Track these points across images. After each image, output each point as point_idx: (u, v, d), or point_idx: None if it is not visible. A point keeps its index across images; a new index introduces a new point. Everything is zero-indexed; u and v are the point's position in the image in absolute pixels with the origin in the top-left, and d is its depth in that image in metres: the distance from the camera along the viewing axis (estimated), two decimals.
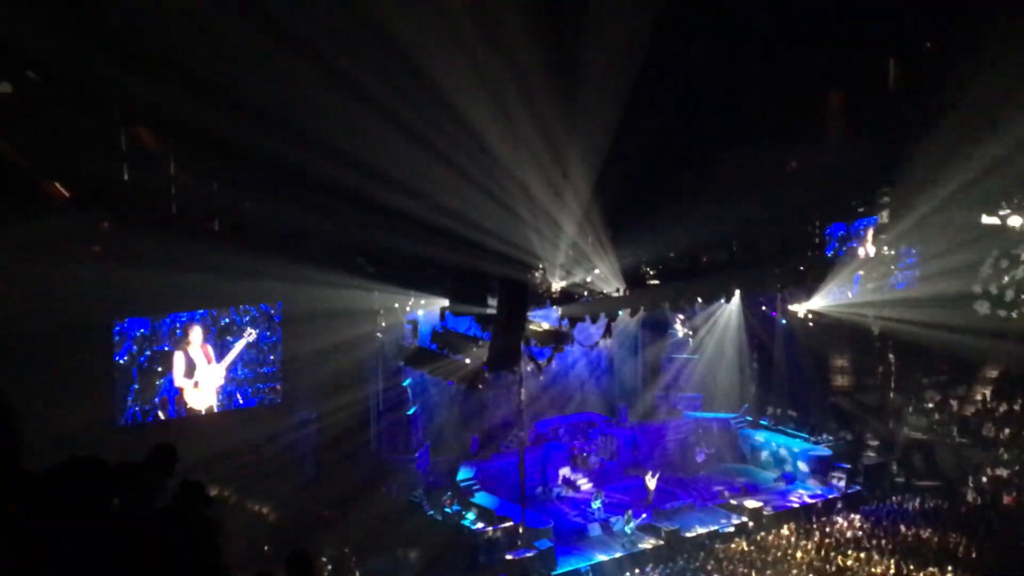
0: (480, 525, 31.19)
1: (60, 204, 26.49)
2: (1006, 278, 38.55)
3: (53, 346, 25.27)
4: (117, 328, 27.91)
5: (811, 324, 38.91)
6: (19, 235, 24.46)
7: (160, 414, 28.52)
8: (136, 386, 28.25)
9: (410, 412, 33.63)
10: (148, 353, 28.36)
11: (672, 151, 35.42)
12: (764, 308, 39.72)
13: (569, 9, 31.58)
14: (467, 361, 30.81)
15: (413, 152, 29.28)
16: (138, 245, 27.48)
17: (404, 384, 33.59)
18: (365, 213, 29.91)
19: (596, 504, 33.91)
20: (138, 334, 28.10)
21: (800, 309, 38.81)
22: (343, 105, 28.47)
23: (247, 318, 29.59)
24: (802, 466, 37.03)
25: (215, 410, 29.34)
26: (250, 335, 29.55)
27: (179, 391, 28.63)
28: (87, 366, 27.22)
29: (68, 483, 4.22)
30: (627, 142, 33.62)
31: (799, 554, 30.35)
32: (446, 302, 30.66)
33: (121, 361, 28.00)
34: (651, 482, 35.48)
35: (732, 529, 32.88)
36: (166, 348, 28.63)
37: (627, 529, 32.62)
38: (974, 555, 29.73)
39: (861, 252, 38.64)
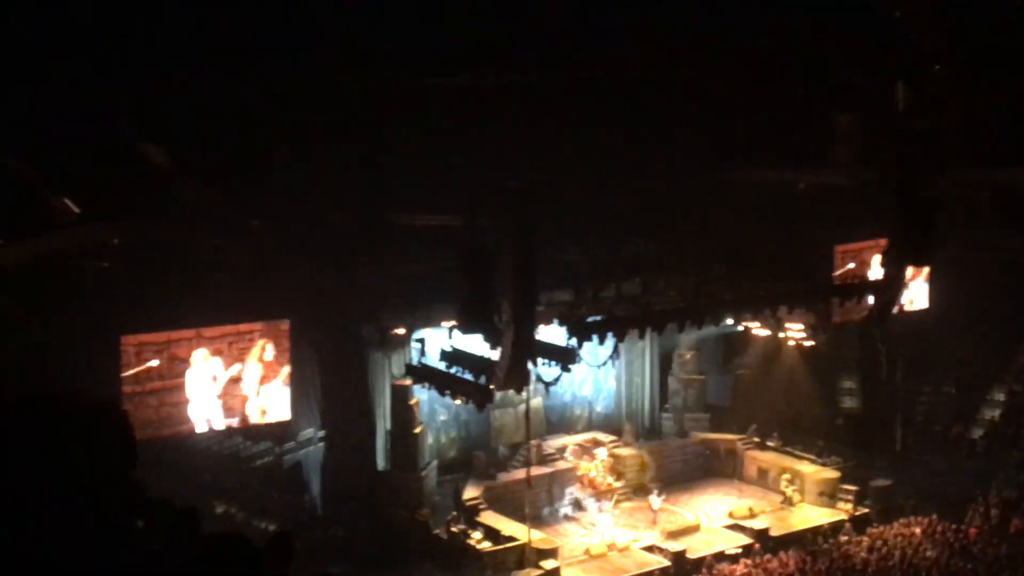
0: (487, 545, 31.15)
1: (69, 220, 26.54)
2: None
3: (60, 361, 25.29)
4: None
5: (818, 344, 38.81)
6: (29, 251, 24.58)
7: (168, 430, 28.41)
8: (144, 401, 28.15)
9: (417, 430, 33.63)
10: (157, 368, 28.29)
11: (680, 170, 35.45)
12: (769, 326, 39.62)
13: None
14: (475, 380, 30.80)
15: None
16: (147, 260, 27.58)
17: (411, 402, 33.60)
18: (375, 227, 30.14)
19: (606, 522, 33.88)
20: (148, 349, 28.01)
21: (807, 329, 38.70)
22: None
23: (256, 333, 29.57)
24: (809, 487, 36.90)
25: (222, 426, 29.27)
26: (259, 350, 29.52)
27: (188, 407, 28.54)
28: (96, 382, 27.19)
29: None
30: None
31: None
32: (454, 321, 30.67)
33: (130, 376, 27.92)
34: (656, 502, 35.44)
35: (738, 550, 32.78)
36: (175, 363, 28.56)
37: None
38: None
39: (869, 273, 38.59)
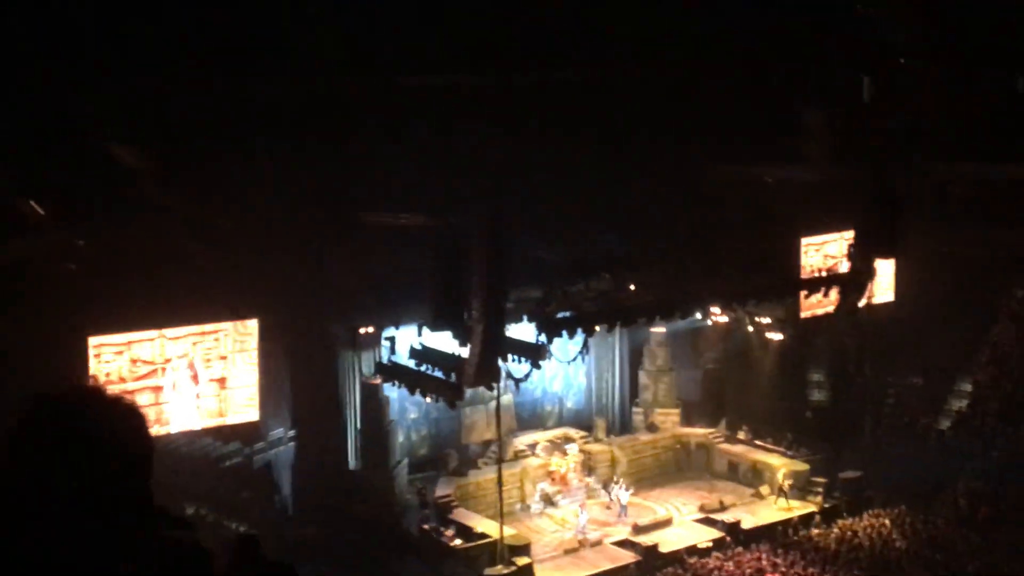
0: (458, 542, 31.16)
1: (36, 223, 26.40)
2: None
3: (28, 364, 25.15)
4: (106, 344, 27.73)
5: (787, 337, 38.99)
6: None
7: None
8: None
9: (387, 428, 33.59)
10: (124, 370, 28.14)
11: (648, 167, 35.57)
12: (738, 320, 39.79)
13: None
14: (445, 377, 30.81)
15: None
16: (115, 262, 27.45)
17: (381, 400, 33.56)
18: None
19: (578, 518, 33.93)
20: (114, 351, 27.87)
21: (776, 323, 38.89)
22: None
23: (223, 334, 29.44)
24: (779, 480, 37.07)
25: (192, 427, 29.15)
26: (226, 351, 29.42)
27: (156, 408, 28.40)
28: (63, 381, 27.04)
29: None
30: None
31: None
32: (424, 319, 30.67)
33: (110, 376, 27.75)
34: (624, 496, 35.57)
35: (710, 544, 32.90)
36: (140, 365, 28.40)
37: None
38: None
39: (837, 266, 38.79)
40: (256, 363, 29.75)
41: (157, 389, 28.37)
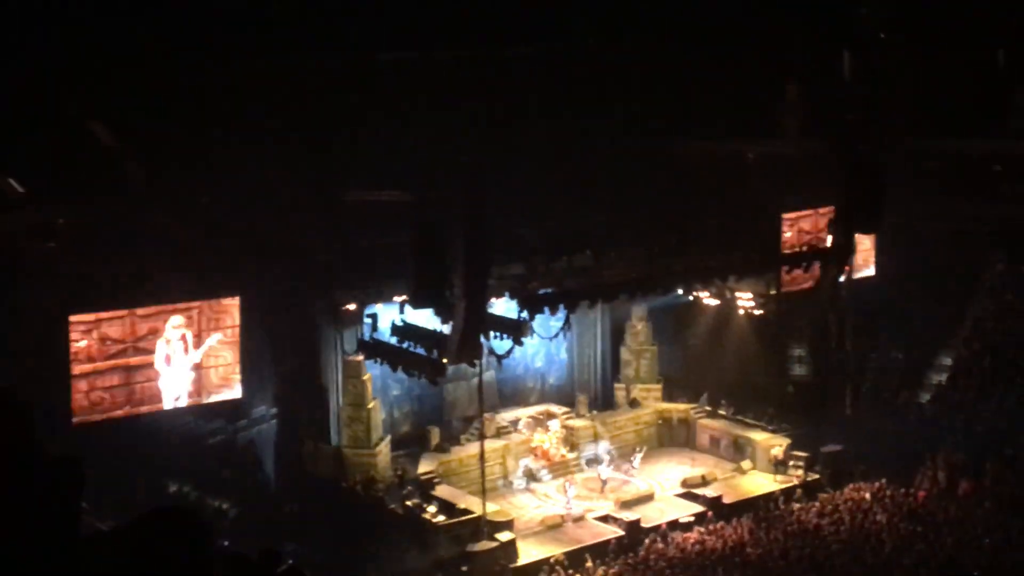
0: (441, 518, 31.24)
1: (15, 200, 26.27)
2: None
3: (7, 342, 25.11)
4: (74, 323, 27.41)
5: (768, 313, 39.04)
6: None
7: (120, 410, 28.05)
8: (94, 381, 27.76)
9: (370, 406, 33.61)
10: (106, 348, 27.93)
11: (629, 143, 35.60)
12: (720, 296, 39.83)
13: None
14: (427, 354, 30.82)
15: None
16: (95, 240, 27.34)
17: (364, 378, 33.56)
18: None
19: (564, 493, 34.02)
20: (96, 329, 27.59)
21: (757, 298, 38.93)
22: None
23: (197, 312, 29.01)
24: (760, 455, 37.25)
25: (175, 405, 29.00)
26: (200, 330, 29.20)
27: (138, 386, 28.23)
28: (45, 361, 26.92)
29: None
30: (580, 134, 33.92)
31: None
32: (406, 296, 30.63)
33: (79, 356, 27.50)
34: (605, 471, 35.76)
35: (691, 518, 33.05)
36: (123, 343, 28.16)
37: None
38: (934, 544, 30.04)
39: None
40: (233, 341, 29.42)
41: (129, 367, 28.02)
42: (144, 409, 28.37)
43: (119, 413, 27.81)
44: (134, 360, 27.98)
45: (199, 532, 3.93)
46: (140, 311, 27.87)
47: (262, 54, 27.83)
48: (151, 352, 28.13)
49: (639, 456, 36.96)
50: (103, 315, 27.28)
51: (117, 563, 3.97)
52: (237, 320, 29.36)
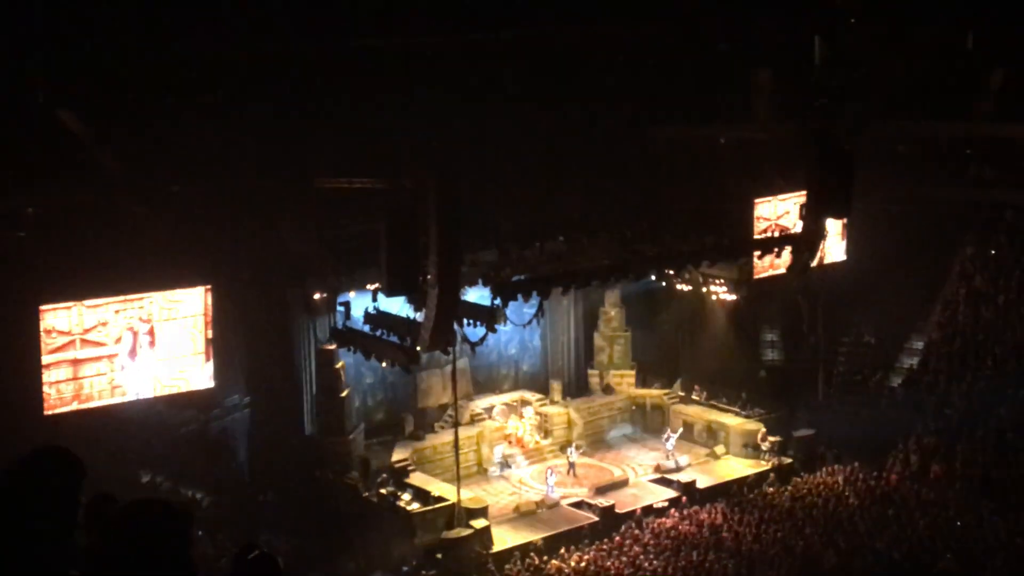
0: (416, 505, 31.22)
1: None
2: None
3: None
4: (44, 313, 26.97)
5: (740, 298, 39.11)
6: None
7: (92, 400, 27.63)
8: (65, 372, 27.35)
9: (343, 394, 33.53)
10: (77, 338, 27.57)
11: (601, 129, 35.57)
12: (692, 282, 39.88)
13: None
14: (400, 342, 30.74)
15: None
16: (65, 229, 27.10)
17: (337, 366, 33.46)
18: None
19: (547, 480, 34.07)
20: (67, 319, 27.19)
21: (729, 283, 38.96)
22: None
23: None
24: (734, 440, 37.39)
25: (146, 395, 28.68)
26: (182, 318, 28.93)
27: (110, 376, 27.91)
28: (14, 352, 26.62)
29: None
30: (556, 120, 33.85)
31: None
32: (378, 283, 30.51)
33: (50, 347, 27.07)
34: (574, 455, 35.87)
35: (665, 504, 33.15)
36: (95, 333, 27.78)
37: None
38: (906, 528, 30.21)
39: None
40: (191, 332, 28.79)
41: (111, 355, 27.58)
42: (108, 402, 27.72)
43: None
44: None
45: (179, 521, 3.88)
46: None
47: (233, 40, 27.60)
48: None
49: (674, 437, 37.10)
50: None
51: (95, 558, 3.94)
52: (203, 309, 28.91)
